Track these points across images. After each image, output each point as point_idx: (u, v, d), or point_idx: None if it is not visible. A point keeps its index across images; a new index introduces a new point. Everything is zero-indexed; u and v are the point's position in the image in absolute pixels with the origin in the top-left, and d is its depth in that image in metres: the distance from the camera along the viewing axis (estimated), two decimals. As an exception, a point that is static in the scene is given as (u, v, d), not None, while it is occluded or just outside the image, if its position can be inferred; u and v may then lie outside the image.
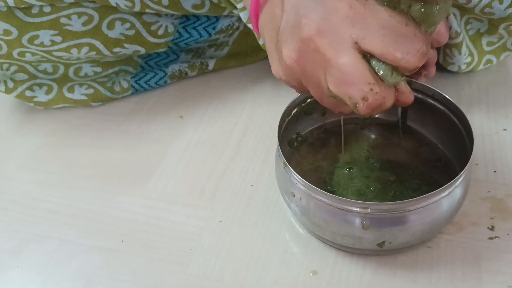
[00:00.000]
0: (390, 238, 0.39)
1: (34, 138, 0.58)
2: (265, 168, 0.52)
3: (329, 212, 0.39)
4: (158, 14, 0.58)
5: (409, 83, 0.48)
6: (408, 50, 0.32)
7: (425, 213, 0.39)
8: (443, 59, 0.58)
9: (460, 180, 0.39)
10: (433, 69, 0.55)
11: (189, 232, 0.46)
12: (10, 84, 0.58)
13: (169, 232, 0.46)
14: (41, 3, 0.50)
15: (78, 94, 0.61)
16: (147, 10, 0.55)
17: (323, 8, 0.33)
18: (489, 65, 0.60)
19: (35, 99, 0.60)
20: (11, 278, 0.43)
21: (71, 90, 0.61)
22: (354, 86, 0.33)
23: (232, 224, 0.46)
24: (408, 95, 0.36)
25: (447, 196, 0.39)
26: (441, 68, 0.59)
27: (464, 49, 0.55)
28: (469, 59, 0.57)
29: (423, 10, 0.32)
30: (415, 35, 0.32)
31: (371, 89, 0.33)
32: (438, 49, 0.58)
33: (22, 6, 0.50)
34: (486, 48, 0.58)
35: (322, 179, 0.47)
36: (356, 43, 0.32)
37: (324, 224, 0.40)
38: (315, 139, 0.51)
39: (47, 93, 0.60)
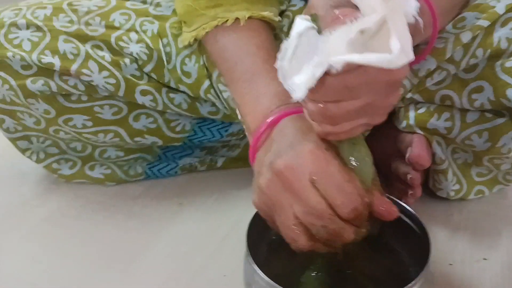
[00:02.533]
0: None
1: (51, 204, 0.65)
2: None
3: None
4: (179, 114, 0.66)
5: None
6: (346, 204, 0.38)
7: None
8: (432, 185, 0.61)
9: None
10: (418, 190, 0.58)
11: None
12: (42, 156, 0.67)
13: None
14: (79, 93, 0.60)
15: (97, 172, 0.68)
16: (168, 111, 0.63)
17: (293, 151, 0.41)
18: (481, 195, 0.61)
19: (59, 172, 0.68)
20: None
21: (92, 168, 0.68)
22: (317, 217, 0.39)
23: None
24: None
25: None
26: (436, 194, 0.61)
27: (450, 176, 0.58)
28: (457, 187, 0.59)
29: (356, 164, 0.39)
30: (354, 194, 0.38)
31: (331, 219, 0.39)
32: (428, 174, 0.61)
33: (63, 93, 0.59)
34: (477, 179, 0.60)
35: (288, 279, 0.48)
36: (312, 181, 0.39)
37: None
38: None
39: (71, 168, 0.68)
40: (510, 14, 0.49)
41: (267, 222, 0.45)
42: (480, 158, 0.56)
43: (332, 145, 0.40)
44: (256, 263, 0.49)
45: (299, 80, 0.33)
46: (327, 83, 0.33)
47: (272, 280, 0.42)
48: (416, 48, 0.49)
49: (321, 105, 0.35)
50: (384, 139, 0.62)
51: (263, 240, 0.53)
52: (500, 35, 0.49)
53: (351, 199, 0.38)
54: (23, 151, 0.67)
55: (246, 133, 0.51)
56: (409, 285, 0.40)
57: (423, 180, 0.60)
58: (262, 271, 0.47)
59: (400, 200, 0.60)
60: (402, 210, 0.51)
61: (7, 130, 0.64)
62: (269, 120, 0.45)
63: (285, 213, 0.40)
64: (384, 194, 0.41)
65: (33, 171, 0.71)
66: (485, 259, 0.53)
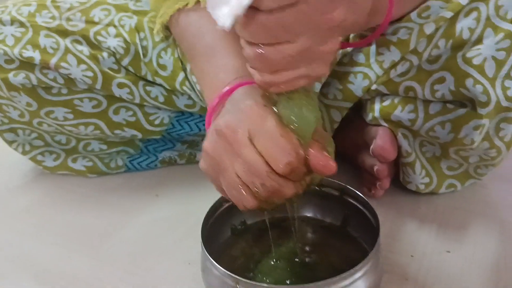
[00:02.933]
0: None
1: (34, 194, 0.68)
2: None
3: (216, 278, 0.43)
4: (158, 107, 0.68)
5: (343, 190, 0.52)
6: (280, 159, 0.38)
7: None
8: (402, 178, 0.61)
9: (358, 275, 0.41)
10: (386, 182, 0.59)
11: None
12: (27, 148, 0.70)
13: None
14: (59, 86, 0.62)
15: (79, 165, 0.71)
16: (145, 104, 0.65)
17: (236, 110, 0.41)
18: (452, 189, 0.61)
19: (43, 163, 0.70)
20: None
21: (74, 160, 0.71)
22: (255, 174, 0.39)
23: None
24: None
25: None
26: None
27: (418, 169, 0.58)
28: (426, 180, 0.59)
29: (292, 117, 0.39)
30: (287, 148, 0.38)
31: (268, 176, 0.39)
32: (398, 167, 0.61)
33: (43, 86, 0.62)
34: (447, 172, 0.60)
35: (247, 266, 0.49)
36: (249, 138, 0.39)
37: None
38: (259, 230, 0.55)
39: (55, 160, 0.70)
40: (473, 5, 0.49)
41: (217, 189, 0.44)
42: (446, 150, 0.56)
43: (272, 102, 0.40)
44: (215, 251, 0.51)
45: (226, 9, 0.32)
46: (260, 20, 0.33)
47: (229, 267, 0.43)
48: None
49: (259, 50, 0.35)
50: (354, 132, 0.63)
51: (226, 228, 0.54)
52: (462, 26, 0.49)
53: (284, 154, 0.38)
54: (9, 143, 0.69)
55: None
56: (355, 267, 0.41)
57: (391, 172, 0.60)
58: (220, 258, 0.48)
59: (370, 191, 0.61)
60: (361, 200, 0.51)
61: (-6, 123, 0.67)
62: (224, 90, 0.45)
63: (229, 174, 0.40)
64: (325, 149, 0.40)
65: (20, 162, 0.74)
66: (448, 251, 0.53)
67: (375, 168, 0.57)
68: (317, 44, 0.36)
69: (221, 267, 0.42)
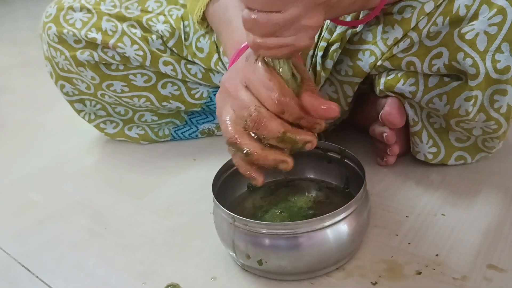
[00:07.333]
0: (267, 257, 0.47)
1: (98, 156, 0.81)
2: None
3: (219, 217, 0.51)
4: (198, 83, 0.77)
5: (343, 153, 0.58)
6: (267, 95, 0.44)
7: (307, 238, 0.46)
8: (412, 149, 0.65)
9: (342, 216, 0.47)
10: (395, 147, 0.63)
11: (150, 231, 0.60)
12: (92, 117, 0.83)
13: (142, 232, 0.61)
14: (117, 63, 0.74)
15: (134, 133, 0.83)
16: (187, 79, 0.75)
17: (234, 66, 0.49)
18: (462, 161, 0.64)
19: (105, 130, 0.83)
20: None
21: (130, 129, 0.83)
22: (245, 108, 0.45)
23: (180, 231, 0.59)
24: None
25: (331, 228, 0.47)
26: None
27: (425, 138, 0.62)
28: (434, 150, 0.63)
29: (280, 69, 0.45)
30: (273, 89, 0.44)
31: (255, 109, 0.45)
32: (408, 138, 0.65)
33: (104, 62, 0.74)
34: (456, 144, 0.63)
35: (254, 214, 0.57)
36: (245, 84, 0.46)
37: (219, 231, 0.52)
38: (271, 188, 0.62)
39: (114, 128, 0.83)
40: None
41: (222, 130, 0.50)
42: (448, 122, 0.59)
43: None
44: (231, 202, 0.59)
45: None
46: None
47: (239, 215, 0.51)
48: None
49: (253, 15, 0.41)
50: (369, 106, 0.68)
51: (243, 185, 0.62)
52: (460, 3, 0.53)
53: (272, 93, 0.43)
54: (78, 112, 0.83)
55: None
56: (336, 210, 0.47)
57: (401, 141, 0.64)
58: (235, 209, 0.57)
59: (383, 160, 0.66)
60: (356, 162, 0.56)
61: (66, 94, 0.81)
62: (239, 48, 0.53)
63: (225, 112, 0.47)
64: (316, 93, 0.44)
65: (86, 131, 0.88)
66: (443, 214, 0.56)
67: (385, 134, 0.62)
68: (302, 17, 0.42)
69: (222, 207, 0.50)
